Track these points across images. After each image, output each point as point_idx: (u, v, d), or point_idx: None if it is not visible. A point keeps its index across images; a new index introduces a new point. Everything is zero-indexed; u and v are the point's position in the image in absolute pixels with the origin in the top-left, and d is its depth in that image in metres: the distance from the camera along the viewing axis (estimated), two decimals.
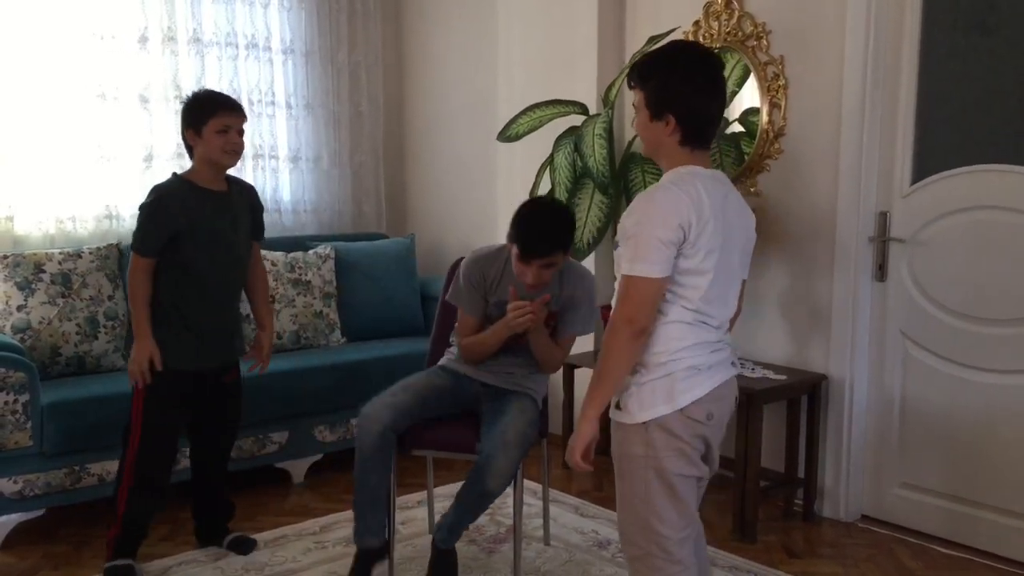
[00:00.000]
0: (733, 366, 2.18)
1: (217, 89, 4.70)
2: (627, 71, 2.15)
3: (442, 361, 3.23)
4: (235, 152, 3.08)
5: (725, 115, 3.92)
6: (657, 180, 3.76)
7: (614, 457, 2.14)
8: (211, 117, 3.03)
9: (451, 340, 3.28)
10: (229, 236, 3.12)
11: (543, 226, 2.84)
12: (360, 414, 2.94)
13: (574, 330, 3.07)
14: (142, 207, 3.03)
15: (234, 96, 4.75)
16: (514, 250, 2.86)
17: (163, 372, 3.03)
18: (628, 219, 2.01)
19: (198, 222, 3.02)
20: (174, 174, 3.13)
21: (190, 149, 3.10)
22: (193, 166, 3.12)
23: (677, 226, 1.95)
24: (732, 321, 2.24)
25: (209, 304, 3.13)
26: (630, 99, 4.30)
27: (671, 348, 2.02)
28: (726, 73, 3.85)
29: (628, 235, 1.99)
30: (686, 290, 2.02)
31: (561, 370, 4.25)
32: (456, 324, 3.17)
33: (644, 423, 2.03)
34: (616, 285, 2.12)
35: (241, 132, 3.10)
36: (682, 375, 2.02)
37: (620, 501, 2.15)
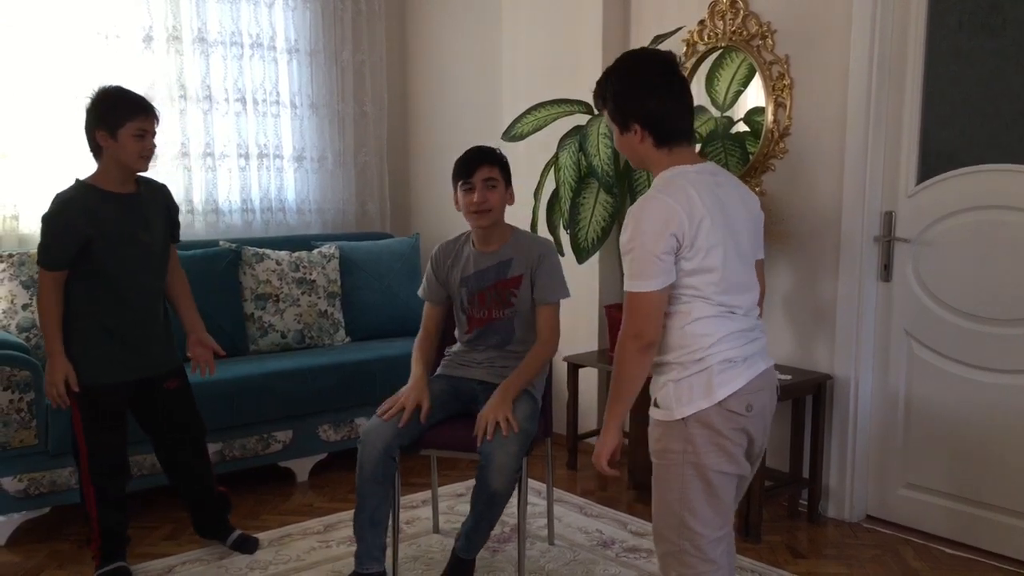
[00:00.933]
0: (769, 357, 2.18)
1: (222, 88, 4.78)
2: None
3: (438, 371, 3.24)
4: (149, 157, 2.96)
5: (730, 115, 3.94)
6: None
7: (652, 454, 2.14)
8: (128, 120, 2.88)
9: (446, 351, 3.30)
10: (141, 239, 2.99)
11: (471, 149, 3.07)
12: (361, 432, 2.95)
13: (552, 296, 3.07)
14: (44, 219, 2.89)
15: (238, 96, 4.84)
16: (459, 189, 3.02)
17: (95, 389, 2.94)
18: (623, 235, 2.04)
19: (106, 228, 2.90)
20: (77, 180, 2.97)
21: (97, 149, 2.93)
22: (100, 169, 2.96)
23: (670, 235, 1.98)
24: (761, 302, 2.25)
25: (130, 312, 2.99)
26: None
27: (704, 344, 2.04)
28: (731, 73, 3.89)
29: (625, 251, 2.03)
30: (700, 289, 2.04)
31: (565, 369, 4.25)
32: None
33: (683, 419, 2.04)
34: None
35: (155, 135, 2.97)
36: (718, 368, 2.03)
37: (655, 497, 2.15)
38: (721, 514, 2.09)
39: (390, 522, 2.99)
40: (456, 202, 3.07)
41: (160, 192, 3.16)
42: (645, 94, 2.08)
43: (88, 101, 2.94)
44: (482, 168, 3.00)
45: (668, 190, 2.02)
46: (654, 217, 1.99)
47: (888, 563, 3.29)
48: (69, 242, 2.86)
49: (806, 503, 3.72)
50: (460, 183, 3.02)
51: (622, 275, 4.08)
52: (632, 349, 2.02)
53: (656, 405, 2.11)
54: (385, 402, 2.99)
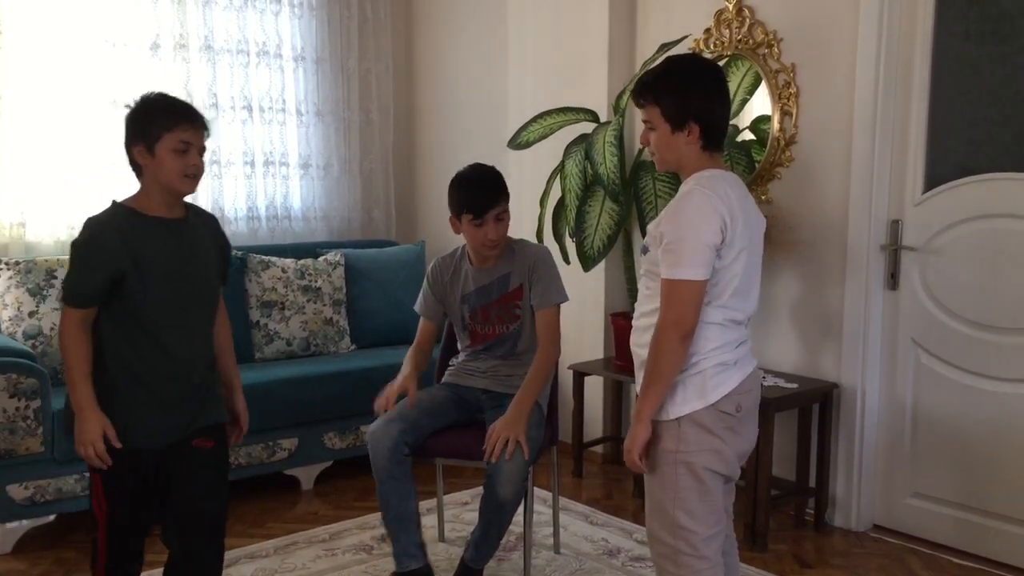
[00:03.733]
0: (754, 358, 2.27)
1: (228, 96, 4.79)
2: (632, 90, 2.28)
3: (443, 380, 3.24)
4: (195, 176, 2.45)
5: (735, 123, 3.95)
6: (668, 187, 3.79)
7: (646, 455, 2.20)
8: (167, 131, 2.37)
9: (451, 361, 3.29)
10: (189, 273, 2.49)
11: (478, 180, 2.99)
12: (367, 436, 2.94)
13: (549, 301, 3.03)
14: (73, 246, 2.40)
15: (244, 103, 4.85)
16: (466, 221, 2.95)
17: (122, 453, 2.39)
18: (667, 225, 2.09)
19: (147, 258, 2.39)
20: (114, 202, 2.47)
21: (137, 168, 2.44)
22: (141, 189, 2.46)
23: (719, 229, 2.05)
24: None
25: (171, 363, 2.45)
26: None
27: (702, 349, 2.12)
28: (737, 81, 3.90)
29: (670, 240, 2.06)
30: (719, 288, 2.11)
31: (570, 378, 4.25)
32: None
33: (677, 419, 2.12)
34: (641, 286, 2.23)
35: (203, 150, 2.46)
36: (712, 371, 2.11)
37: (649, 500, 2.22)
38: (714, 512, 2.16)
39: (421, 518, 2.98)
40: (454, 226, 3.02)
41: (211, 223, 2.65)
42: (708, 97, 2.15)
43: (126, 112, 2.47)
44: (494, 207, 2.94)
45: (711, 187, 2.09)
46: (704, 208, 2.05)
47: (895, 573, 3.28)
48: (101, 275, 2.36)
49: (812, 512, 3.70)
50: (469, 217, 2.95)
51: (628, 282, 4.10)
52: (673, 338, 2.06)
53: None
54: (377, 400, 2.95)
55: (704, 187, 2.09)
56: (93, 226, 2.40)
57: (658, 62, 2.35)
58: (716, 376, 2.11)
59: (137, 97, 2.47)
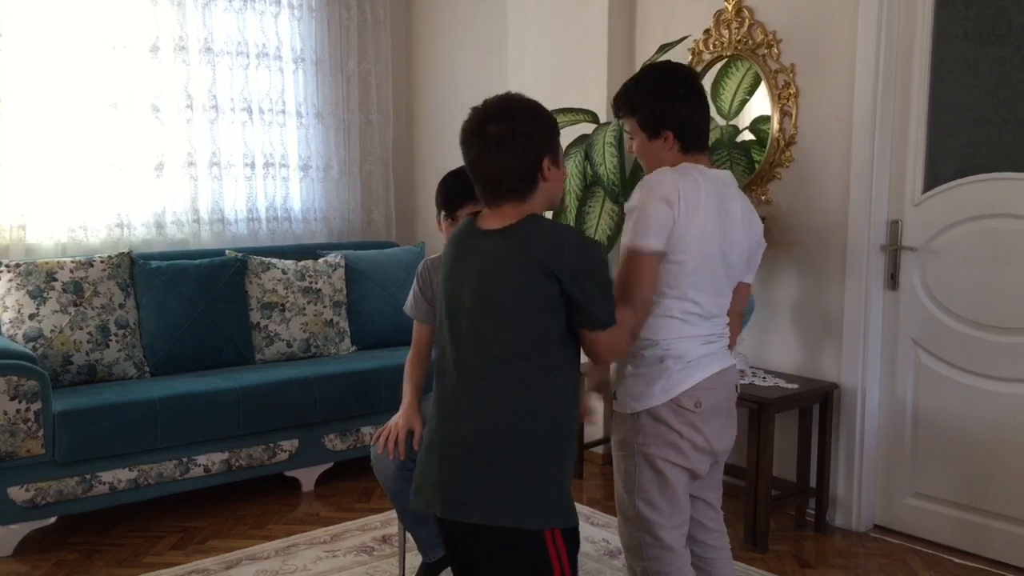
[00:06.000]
0: (730, 357, 2.30)
1: (228, 98, 4.79)
2: (612, 103, 2.35)
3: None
4: None
5: (735, 123, 3.96)
6: None
7: (612, 446, 2.30)
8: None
9: None
10: None
11: (455, 174, 2.84)
12: (372, 459, 2.90)
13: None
14: (597, 256, 1.99)
15: (244, 105, 4.85)
16: (443, 218, 2.88)
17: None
18: (630, 202, 2.18)
19: None
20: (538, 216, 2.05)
21: (529, 186, 2.00)
22: (532, 206, 2.03)
23: (672, 202, 2.10)
24: (738, 324, 2.39)
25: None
26: None
27: (661, 340, 2.17)
28: (737, 81, 3.90)
29: (628, 212, 2.17)
30: (671, 275, 2.14)
31: None
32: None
33: (636, 412, 2.19)
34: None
35: None
36: (671, 366, 2.17)
37: (616, 490, 2.30)
38: (674, 503, 2.22)
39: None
40: (439, 225, 2.91)
41: None
42: (677, 104, 2.21)
43: (527, 115, 2.02)
44: (467, 205, 2.70)
45: (679, 171, 2.16)
46: (658, 186, 2.13)
47: (896, 573, 3.28)
48: None
49: (813, 512, 3.70)
50: (442, 215, 2.83)
51: None
52: (622, 306, 2.07)
53: (614, 396, 2.26)
54: (379, 433, 2.87)
55: (671, 171, 2.16)
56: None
57: (637, 71, 2.40)
58: (675, 372, 2.16)
59: (532, 102, 2.06)
